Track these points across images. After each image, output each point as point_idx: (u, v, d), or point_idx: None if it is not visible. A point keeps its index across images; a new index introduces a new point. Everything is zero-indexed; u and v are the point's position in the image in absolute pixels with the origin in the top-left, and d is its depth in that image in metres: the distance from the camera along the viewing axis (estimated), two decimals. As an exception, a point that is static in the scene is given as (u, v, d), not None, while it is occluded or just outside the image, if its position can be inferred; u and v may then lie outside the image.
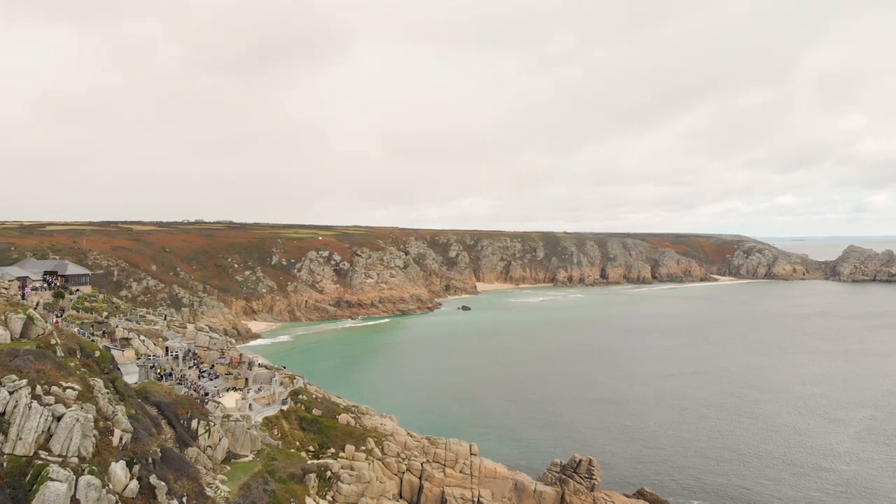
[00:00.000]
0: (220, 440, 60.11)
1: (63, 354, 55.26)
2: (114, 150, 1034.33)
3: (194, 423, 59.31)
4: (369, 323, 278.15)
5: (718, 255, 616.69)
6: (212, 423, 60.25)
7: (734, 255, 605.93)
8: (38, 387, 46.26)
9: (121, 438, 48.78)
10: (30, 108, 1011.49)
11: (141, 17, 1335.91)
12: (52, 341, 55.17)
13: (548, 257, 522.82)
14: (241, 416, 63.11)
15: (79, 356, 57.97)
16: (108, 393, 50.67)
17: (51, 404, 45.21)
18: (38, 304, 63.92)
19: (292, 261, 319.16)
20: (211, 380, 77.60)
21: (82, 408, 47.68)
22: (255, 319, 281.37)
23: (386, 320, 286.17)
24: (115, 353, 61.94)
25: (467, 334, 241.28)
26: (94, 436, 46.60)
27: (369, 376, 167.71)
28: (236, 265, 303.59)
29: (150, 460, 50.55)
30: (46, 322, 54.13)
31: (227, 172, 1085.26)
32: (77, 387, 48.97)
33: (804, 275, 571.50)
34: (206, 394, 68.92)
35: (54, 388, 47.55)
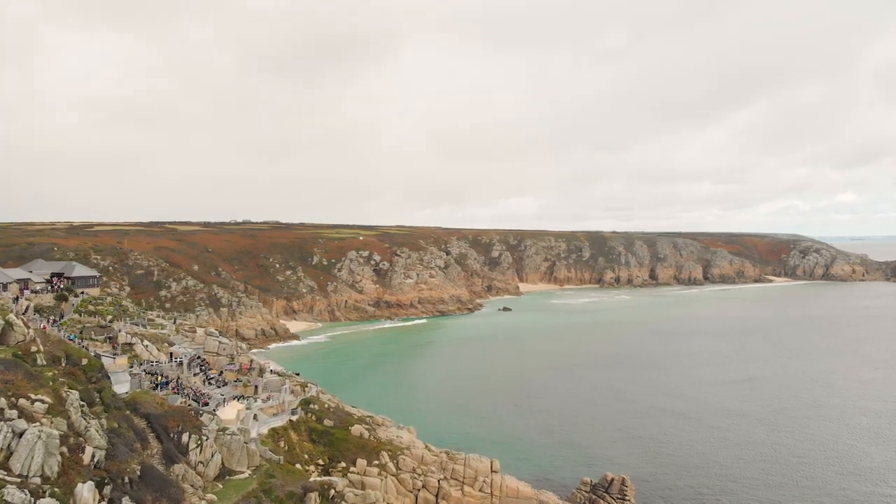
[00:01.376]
0: (212, 455, 56.28)
1: (45, 363, 52.13)
2: (169, 153, 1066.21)
3: (185, 437, 55.66)
4: (407, 324, 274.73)
5: (773, 256, 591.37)
6: (205, 437, 56.51)
7: (790, 256, 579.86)
8: (3, 399, 43.05)
9: (93, 456, 45.19)
10: (88, 111, 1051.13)
11: (196, 22, 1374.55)
12: (34, 348, 52.14)
13: (594, 257, 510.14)
14: (239, 429, 59.18)
15: (63, 364, 54.83)
16: (82, 406, 47.12)
17: (12, 419, 41.88)
18: (27, 309, 61.80)
19: (333, 261, 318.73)
20: (218, 387, 74.30)
21: (52, 422, 44.28)
22: (295, 319, 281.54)
23: (423, 321, 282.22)
24: (106, 360, 58.95)
25: (504, 337, 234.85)
26: (62, 453, 43.15)
27: (396, 380, 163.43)
28: (277, 265, 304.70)
29: (125, 480, 46.82)
30: (29, 328, 51.28)
31: (278, 173, 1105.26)
32: (48, 399, 45.59)
33: (864, 275, 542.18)
34: (207, 403, 65.41)
35: (22, 401, 44.24)
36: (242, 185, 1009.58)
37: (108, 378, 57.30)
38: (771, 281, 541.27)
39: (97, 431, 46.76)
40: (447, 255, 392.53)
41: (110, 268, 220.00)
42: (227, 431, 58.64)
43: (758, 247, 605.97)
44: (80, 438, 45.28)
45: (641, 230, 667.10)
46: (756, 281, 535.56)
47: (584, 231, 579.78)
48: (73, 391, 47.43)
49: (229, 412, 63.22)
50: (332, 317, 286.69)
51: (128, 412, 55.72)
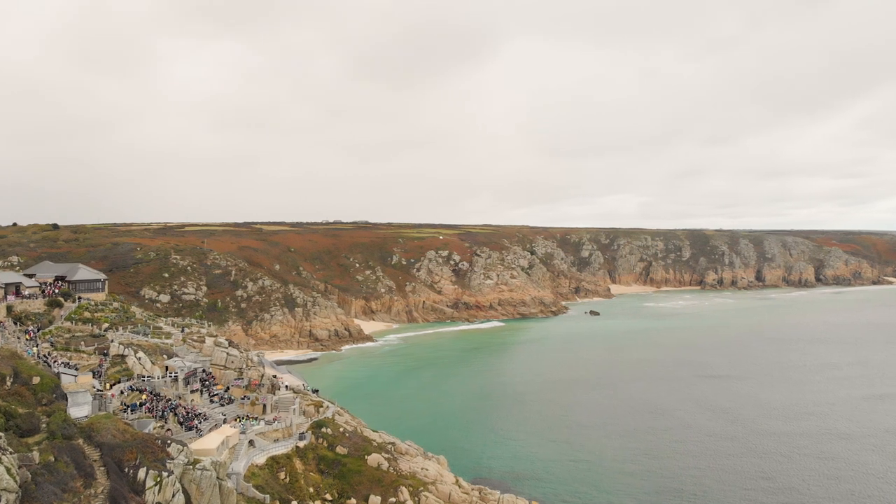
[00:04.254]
0: (174, 496, 47.40)
1: (-23, 383, 44.86)
2: (272, 156, 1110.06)
3: (142, 473, 47.07)
4: (483, 326, 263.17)
5: (894, 255, 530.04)
6: (166, 474, 47.72)
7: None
8: None
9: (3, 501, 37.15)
10: (199, 116, 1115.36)
11: (301, 28, 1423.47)
12: (-34, 366, 44.98)
13: (694, 257, 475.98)
14: (212, 463, 50.14)
15: (9, 383, 47.45)
16: (-8, 440, 39.09)
17: None
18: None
19: (412, 260, 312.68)
20: (222, 405, 66.22)
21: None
22: (373, 320, 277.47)
23: (501, 324, 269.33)
24: (66, 378, 51.68)
25: (588, 345, 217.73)
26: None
27: (454, 391, 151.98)
28: (357, 265, 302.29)
29: (37, 533, 38.57)
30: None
31: (373, 174, 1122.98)
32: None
33: None
34: (193, 428, 57.04)
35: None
36: (338, 187, 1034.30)
37: (66, 399, 49.88)
38: (891, 283, 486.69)
39: (8, 470, 38.71)
40: (532, 254, 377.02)
41: (189, 267, 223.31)
42: (197, 466, 49.75)
43: (876, 245, 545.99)
44: (-17, 481, 37.42)
45: (749, 228, 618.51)
46: (874, 283, 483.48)
47: (684, 229, 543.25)
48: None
49: (212, 439, 54.55)
50: (409, 317, 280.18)
51: (80, 441, 47.92)
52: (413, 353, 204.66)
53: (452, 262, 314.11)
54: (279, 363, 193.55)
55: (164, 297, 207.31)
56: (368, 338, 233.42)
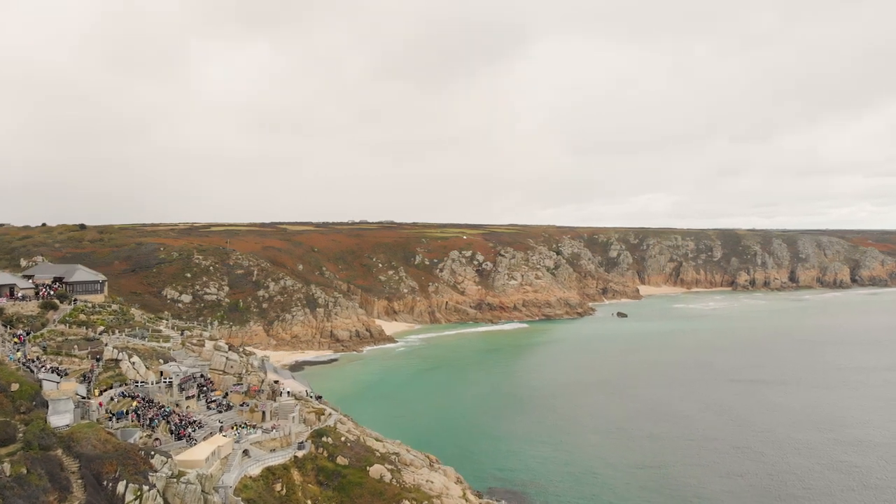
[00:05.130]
0: (155, 511, 44.79)
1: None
2: (304, 157, 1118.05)
3: (121, 486, 44.57)
4: (506, 328, 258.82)
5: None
6: (147, 487, 45.15)
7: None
8: None
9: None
10: (230, 117, 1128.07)
11: (330, 29, 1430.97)
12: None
13: (726, 258, 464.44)
14: (198, 475, 47.51)
15: (-15, 391, 45.28)
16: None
17: None
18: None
19: (435, 260, 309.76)
20: (220, 412, 63.75)
21: None
22: (395, 320, 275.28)
23: (525, 326, 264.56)
24: (48, 385, 49.53)
25: (613, 348, 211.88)
26: None
27: (469, 393, 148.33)
28: (380, 265, 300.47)
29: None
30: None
31: (402, 174, 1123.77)
32: None
33: None
34: (184, 436, 54.57)
35: None
36: (366, 187, 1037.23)
37: (46, 406, 47.71)
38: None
39: (-31, 487, 36.43)
40: (558, 255, 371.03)
41: (211, 267, 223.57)
42: (181, 479, 47.14)
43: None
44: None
45: (783, 227, 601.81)
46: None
47: (716, 229, 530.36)
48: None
49: (202, 449, 51.95)
50: (432, 318, 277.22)
51: (59, 452, 45.62)
52: (433, 354, 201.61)
53: (476, 263, 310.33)
54: (299, 364, 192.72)
55: (186, 298, 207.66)
56: (389, 339, 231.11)
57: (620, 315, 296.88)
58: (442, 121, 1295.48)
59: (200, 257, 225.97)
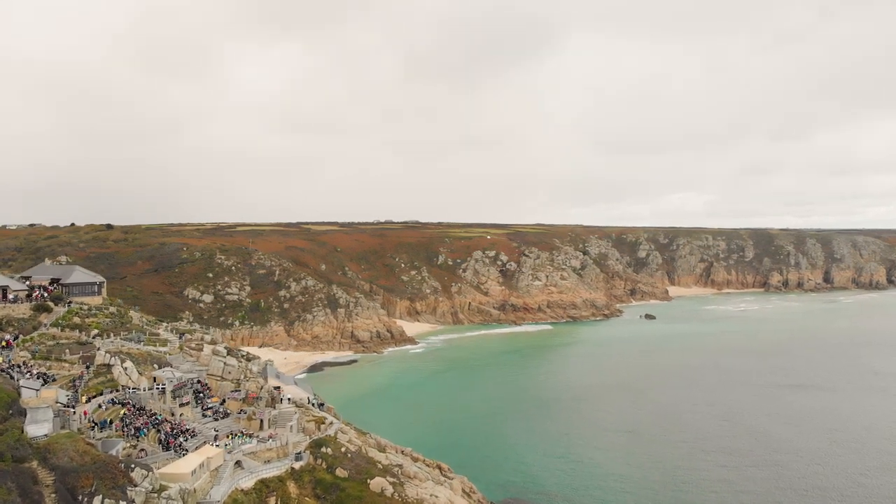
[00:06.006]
0: (132, 529, 42.23)
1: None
2: (331, 157, 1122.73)
3: (97, 501, 42.05)
4: (530, 329, 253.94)
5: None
6: (123, 503, 42.58)
7: None
8: None
9: None
10: (262, 118, 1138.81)
11: (361, 29, 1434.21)
12: None
13: (758, 258, 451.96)
14: (180, 491, 44.87)
15: (-43, 399, 43.17)
16: None
17: None
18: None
19: (458, 261, 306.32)
20: (216, 420, 61.26)
21: None
22: (418, 321, 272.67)
23: (549, 328, 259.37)
24: (27, 392, 47.41)
25: (639, 351, 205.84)
26: None
27: (488, 397, 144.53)
28: (403, 265, 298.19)
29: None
30: None
31: (432, 173, 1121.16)
32: None
33: None
34: (171, 447, 52.09)
35: None
36: (393, 187, 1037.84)
37: (23, 415, 45.55)
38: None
39: (-76, 505, 34.15)
40: (584, 255, 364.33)
41: (233, 267, 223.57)
42: (162, 494, 44.54)
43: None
44: None
45: (817, 227, 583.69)
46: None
47: (748, 228, 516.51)
48: None
49: (189, 461, 49.35)
50: (454, 319, 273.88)
51: (34, 464, 43.28)
52: (454, 356, 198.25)
53: (500, 263, 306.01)
54: (319, 365, 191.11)
55: (208, 298, 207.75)
56: (410, 340, 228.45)
57: (648, 317, 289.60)
58: (470, 120, 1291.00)
59: (223, 257, 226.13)
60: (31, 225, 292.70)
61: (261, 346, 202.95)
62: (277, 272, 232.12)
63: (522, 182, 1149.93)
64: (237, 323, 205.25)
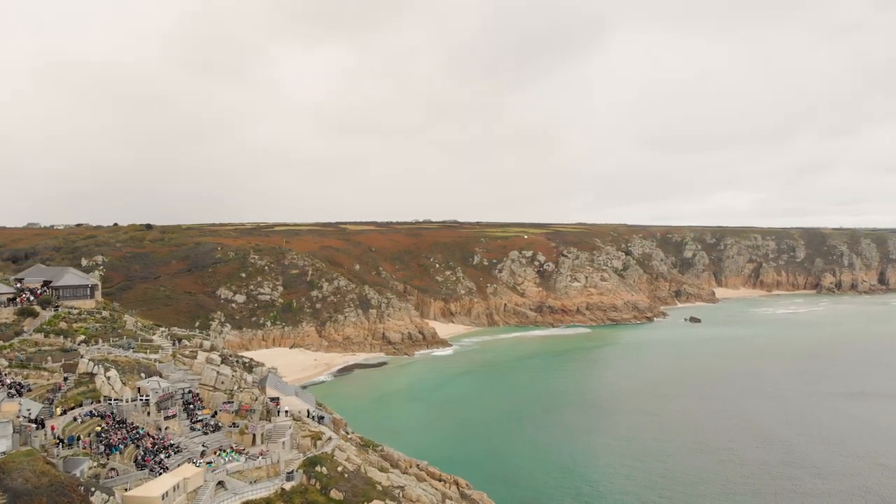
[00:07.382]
0: (87, 560, 38.41)
1: None
2: (374, 157, 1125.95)
3: (49, 530, 38.36)
4: (567, 332, 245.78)
5: None
6: (80, 532, 38.82)
7: None
8: None
9: None
10: (308, 119, 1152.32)
11: (405, 30, 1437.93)
12: None
13: (810, 258, 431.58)
14: (147, 517, 40.92)
15: None
16: None
17: None
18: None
19: (494, 261, 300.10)
20: (206, 434, 57.46)
21: None
22: (452, 322, 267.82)
23: (587, 331, 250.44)
24: (-13, 407, 44.14)
25: (683, 357, 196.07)
26: None
27: (519, 405, 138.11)
28: (437, 265, 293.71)
29: None
30: None
31: (475, 172, 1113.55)
32: None
33: None
34: (147, 465, 48.30)
35: None
36: (434, 186, 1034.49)
37: (-18, 431, 42.32)
38: None
39: None
40: (627, 255, 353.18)
41: (266, 267, 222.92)
42: (126, 520, 40.66)
43: None
44: None
45: (872, 226, 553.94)
46: None
47: (799, 228, 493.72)
48: None
49: (161, 483, 45.42)
50: (489, 321, 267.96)
51: (-12, 485, 39.90)
52: (487, 359, 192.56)
53: (537, 263, 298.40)
54: (349, 367, 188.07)
55: (240, 298, 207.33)
56: (443, 342, 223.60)
57: (693, 320, 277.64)
58: (514, 118, 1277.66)
59: (256, 257, 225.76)
60: (78, 225, 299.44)
61: (292, 347, 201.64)
62: (310, 272, 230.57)
63: (565, 180, 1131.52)
64: (269, 323, 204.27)
